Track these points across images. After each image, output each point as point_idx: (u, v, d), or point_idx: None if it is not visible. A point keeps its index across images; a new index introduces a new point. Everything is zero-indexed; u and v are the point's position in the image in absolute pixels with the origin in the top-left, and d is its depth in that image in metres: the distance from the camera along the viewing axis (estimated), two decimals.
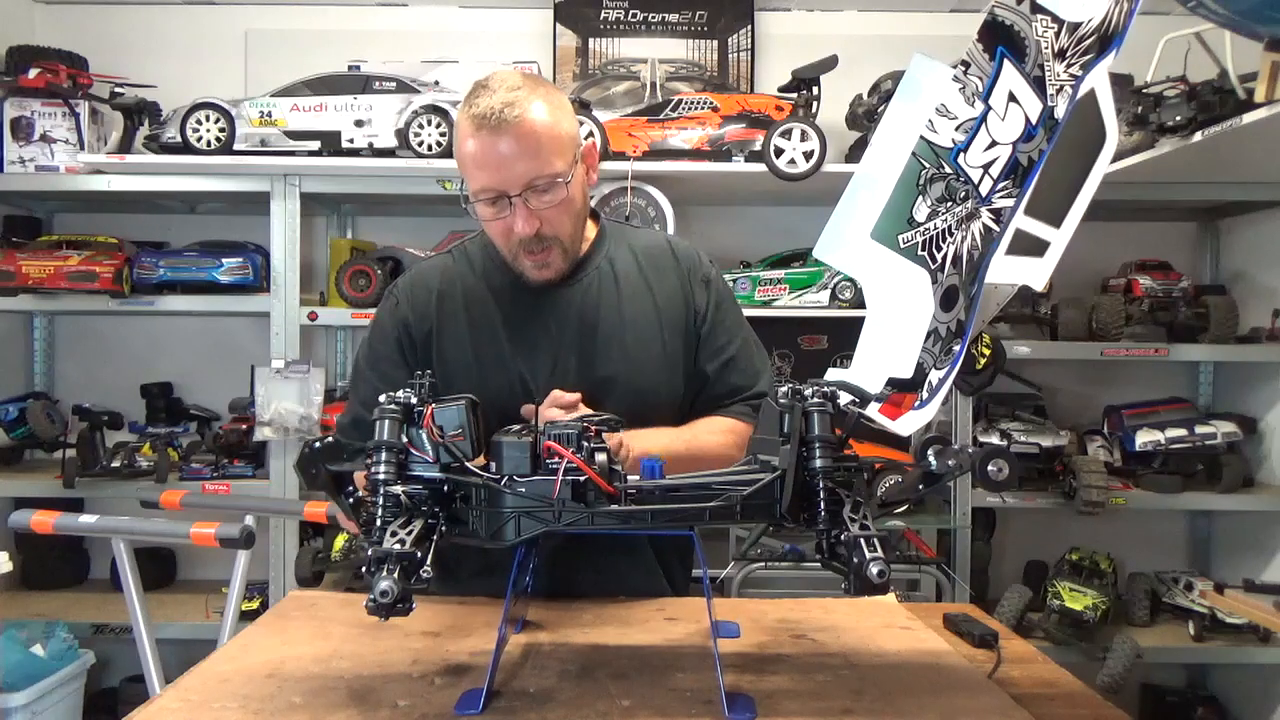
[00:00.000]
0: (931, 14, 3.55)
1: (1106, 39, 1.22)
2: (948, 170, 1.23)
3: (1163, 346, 3.10)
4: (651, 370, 1.61)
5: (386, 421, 1.08)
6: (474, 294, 1.64)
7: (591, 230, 1.70)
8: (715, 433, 1.60)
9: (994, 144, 1.23)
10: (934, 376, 1.27)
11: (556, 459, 1.06)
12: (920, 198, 1.23)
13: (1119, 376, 3.52)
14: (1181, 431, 3.15)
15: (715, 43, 3.55)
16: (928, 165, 1.23)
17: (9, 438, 3.22)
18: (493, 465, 1.10)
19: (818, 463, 1.05)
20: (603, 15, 3.53)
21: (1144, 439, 3.16)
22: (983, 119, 1.22)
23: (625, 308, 1.63)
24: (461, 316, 1.63)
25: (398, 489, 1.04)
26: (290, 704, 1.08)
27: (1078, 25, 1.21)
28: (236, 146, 2.98)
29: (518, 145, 1.43)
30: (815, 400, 1.07)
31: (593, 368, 1.59)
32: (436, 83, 3.06)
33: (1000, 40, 1.21)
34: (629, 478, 1.09)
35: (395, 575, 0.94)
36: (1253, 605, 2.46)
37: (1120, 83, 2.67)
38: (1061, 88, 1.22)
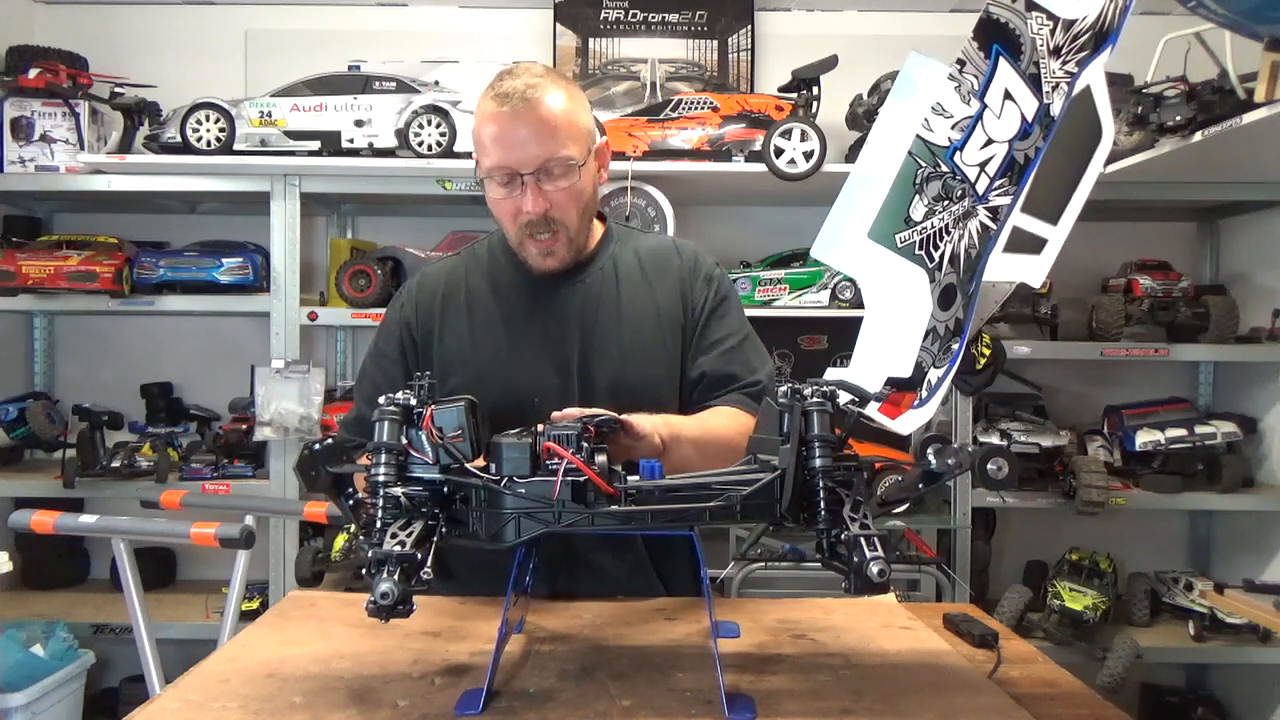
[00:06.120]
0: (931, 14, 3.55)
1: (1101, 36, 1.22)
2: (944, 169, 1.23)
3: (1163, 346, 3.10)
4: (650, 370, 1.62)
5: (386, 423, 1.08)
6: (477, 292, 1.66)
7: (599, 231, 1.72)
8: (720, 419, 1.58)
9: (990, 142, 1.23)
10: (933, 375, 1.27)
11: (556, 460, 1.06)
12: (917, 196, 1.23)
13: (1119, 376, 3.52)
14: (1181, 431, 3.15)
15: (715, 43, 3.54)
16: (924, 164, 1.23)
17: (9, 438, 3.22)
18: (492, 466, 1.10)
19: (817, 462, 1.05)
20: (603, 15, 3.53)
21: (1144, 439, 3.16)
22: (979, 117, 1.22)
23: (625, 307, 1.64)
24: (464, 315, 1.64)
25: (398, 490, 1.04)
26: (290, 704, 1.08)
27: (1072, 22, 1.21)
28: (236, 146, 2.98)
29: (536, 127, 1.48)
30: (815, 400, 1.07)
31: (591, 366, 1.59)
32: (436, 83, 3.06)
33: (996, 38, 1.21)
34: (629, 478, 1.09)
35: (395, 577, 0.94)
36: (1253, 605, 2.47)
37: (1120, 82, 2.67)
38: (1057, 85, 1.23)
